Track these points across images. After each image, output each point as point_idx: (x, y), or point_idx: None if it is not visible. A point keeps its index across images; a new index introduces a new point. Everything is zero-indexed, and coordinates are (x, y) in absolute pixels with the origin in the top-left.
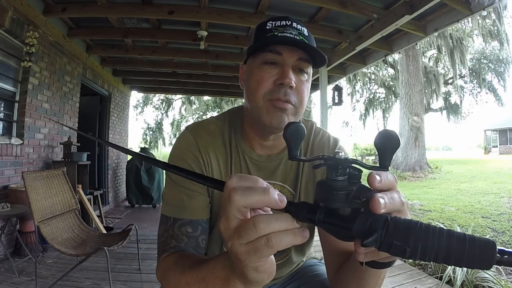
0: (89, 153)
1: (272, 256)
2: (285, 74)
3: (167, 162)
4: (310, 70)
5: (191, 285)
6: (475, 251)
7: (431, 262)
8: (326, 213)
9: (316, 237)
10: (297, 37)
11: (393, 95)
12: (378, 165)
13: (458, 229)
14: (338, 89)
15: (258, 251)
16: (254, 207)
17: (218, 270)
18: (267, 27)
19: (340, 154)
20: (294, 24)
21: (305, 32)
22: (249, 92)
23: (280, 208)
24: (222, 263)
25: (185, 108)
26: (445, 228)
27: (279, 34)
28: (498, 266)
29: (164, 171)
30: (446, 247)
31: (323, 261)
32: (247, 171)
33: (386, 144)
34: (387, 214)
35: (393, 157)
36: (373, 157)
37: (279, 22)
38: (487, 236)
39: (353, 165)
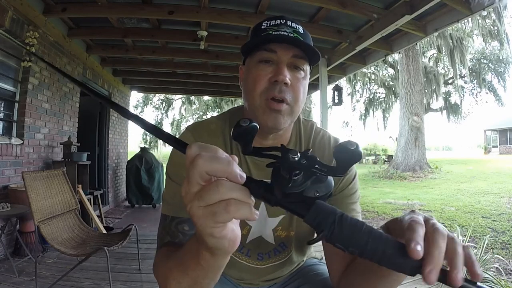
0: (89, 153)
1: (232, 224)
2: (280, 71)
3: (135, 115)
4: (307, 67)
5: (173, 269)
6: (404, 259)
7: None
8: (283, 195)
9: None
10: (291, 35)
11: (393, 95)
12: (337, 169)
13: (458, 229)
14: (338, 89)
15: (214, 215)
16: (216, 175)
17: (190, 246)
18: (262, 27)
19: (293, 156)
20: (289, 23)
21: (300, 30)
22: (246, 91)
23: (240, 182)
24: (193, 238)
25: (185, 108)
26: (383, 233)
27: (273, 33)
28: (499, 267)
29: (164, 171)
30: (381, 251)
31: (323, 260)
32: (248, 171)
33: (345, 158)
34: (336, 213)
35: (394, 157)
36: (373, 157)
37: (273, 21)
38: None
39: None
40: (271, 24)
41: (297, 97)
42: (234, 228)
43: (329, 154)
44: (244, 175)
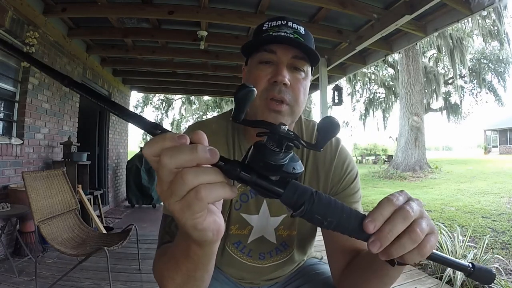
0: (89, 153)
1: (214, 216)
2: (279, 72)
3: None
4: (307, 68)
5: (167, 264)
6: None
7: (431, 263)
8: (258, 176)
9: (317, 237)
10: (292, 36)
11: (393, 95)
12: (316, 144)
13: (458, 229)
14: (338, 89)
15: (190, 206)
16: (185, 166)
17: (179, 241)
18: (264, 28)
19: (283, 127)
20: (290, 23)
21: (302, 31)
22: None
23: (213, 163)
24: (181, 233)
25: (185, 108)
26: (352, 208)
27: (273, 34)
28: (498, 267)
29: None
30: (352, 226)
31: (323, 260)
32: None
33: (327, 128)
34: (312, 188)
35: (394, 157)
36: (373, 157)
37: (275, 22)
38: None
39: (294, 141)
40: (272, 25)
41: (297, 97)
42: (216, 219)
43: (331, 153)
44: (217, 153)
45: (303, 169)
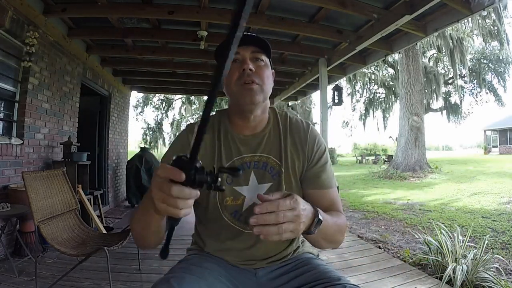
0: (89, 153)
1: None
2: (244, 62)
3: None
4: (265, 58)
5: (136, 220)
6: None
7: (432, 263)
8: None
9: None
10: (249, 37)
11: (393, 95)
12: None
13: (458, 229)
14: (338, 89)
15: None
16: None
17: (147, 205)
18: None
19: (183, 157)
20: (249, 34)
21: (254, 34)
22: (226, 87)
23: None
24: (148, 198)
25: (185, 108)
26: None
27: None
28: (498, 267)
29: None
30: None
31: (320, 256)
32: (236, 148)
33: None
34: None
35: (394, 157)
36: (373, 157)
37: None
38: (487, 236)
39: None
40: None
41: (263, 78)
42: (186, 213)
43: (304, 132)
44: (181, 176)
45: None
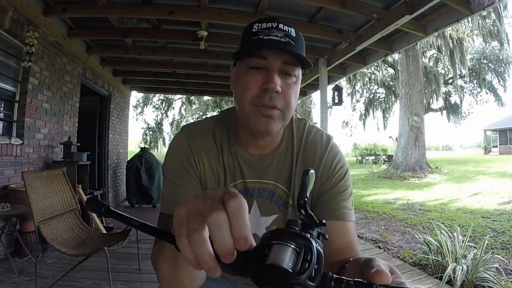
0: (89, 153)
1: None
2: (270, 79)
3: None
4: (298, 72)
5: (163, 264)
6: None
7: (432, 263)
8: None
9: None
10: (283, 39)
11: (393, 95)
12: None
13: (458, 229)
14: (338, 89)
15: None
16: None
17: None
18: (254, 30)
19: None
20: (281, 26)
21: (293, 33)
22: (237, 96)
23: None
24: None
25: (185, 108)
26: None
27: (264, 37)
28: (498, 267)
29: (162, 171)
30: None
31: None
32: (240, 170)
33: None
34: None
35: (394, 157)
36: (373, 157)
37: (265, 24)
38: (487, 236)
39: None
40: (262, 27)
41: (289, 103)
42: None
43: (321, 151)
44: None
45: None
